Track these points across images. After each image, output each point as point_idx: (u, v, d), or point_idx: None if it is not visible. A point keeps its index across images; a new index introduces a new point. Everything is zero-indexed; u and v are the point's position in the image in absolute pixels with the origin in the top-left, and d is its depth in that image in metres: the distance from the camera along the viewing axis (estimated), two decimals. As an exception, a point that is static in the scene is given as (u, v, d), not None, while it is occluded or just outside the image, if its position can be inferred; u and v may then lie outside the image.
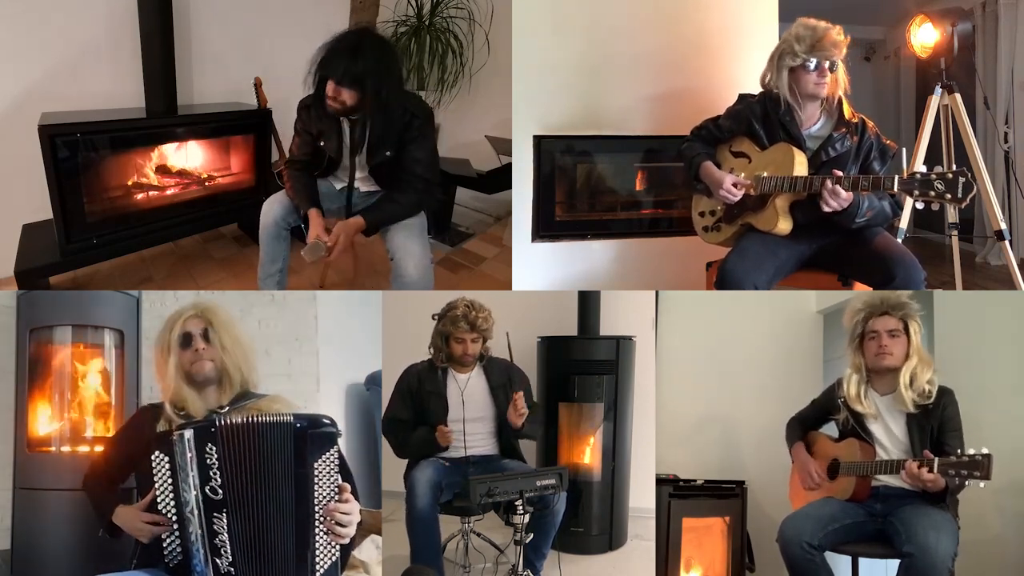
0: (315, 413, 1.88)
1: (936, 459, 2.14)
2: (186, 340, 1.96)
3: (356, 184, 3.00)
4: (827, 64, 2.54)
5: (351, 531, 1.86)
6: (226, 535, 1.77)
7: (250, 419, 1.83)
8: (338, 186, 3.03)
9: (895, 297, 2.37)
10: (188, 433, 1.78)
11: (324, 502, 1.82)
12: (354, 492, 1.88)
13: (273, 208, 2.98)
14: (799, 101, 2.60)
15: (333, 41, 2.75)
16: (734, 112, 2.77)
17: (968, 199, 2.33)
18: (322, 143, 2.92)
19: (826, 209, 2.49)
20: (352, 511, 1.85)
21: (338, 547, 1.85)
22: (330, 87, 2.73)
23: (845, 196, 2.47)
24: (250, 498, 1.79)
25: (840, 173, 2.48)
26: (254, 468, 1.79)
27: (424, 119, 2.90)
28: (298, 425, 1.82)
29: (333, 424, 1.87)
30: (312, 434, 1.82)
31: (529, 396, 2.87)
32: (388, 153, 2.88)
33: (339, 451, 1.85)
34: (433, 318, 2.78)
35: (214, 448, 1.79)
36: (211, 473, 1.78)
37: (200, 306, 2.02)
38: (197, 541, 1.77)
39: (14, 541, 2.63)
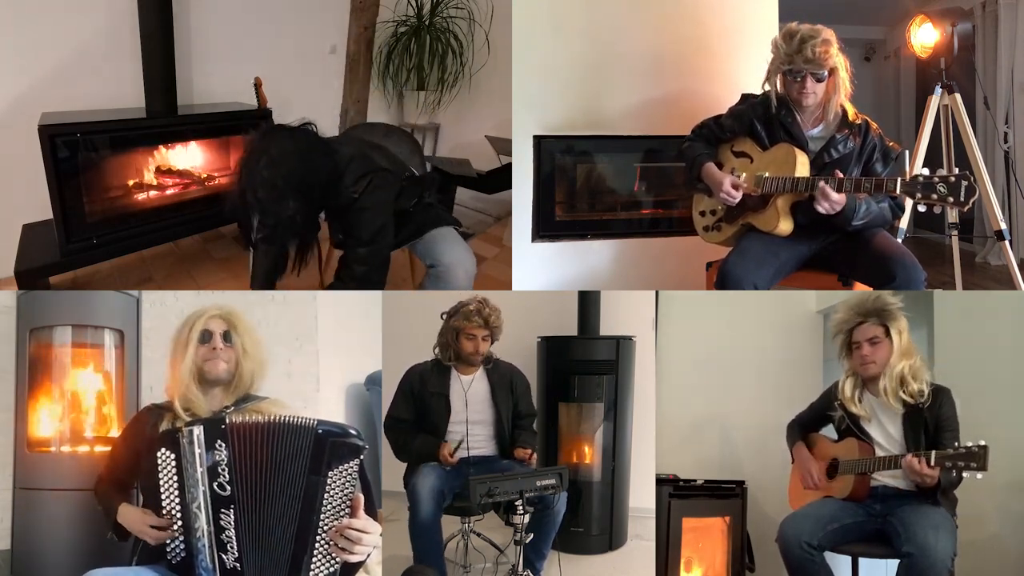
0: (343, 423, 1.85)
1: (933, 451, 2.14)
2: (205, 337, 1.98)
3: None
4: (811, 74, 2.50)
5: (365, 550, 1.78)
6: (233, 531, 1.77)
7: (271, 419, 1.83)
8: None
9: (871, 302, 2.34)
10: (198, 429, 1.79)
11: (333, 512, 1.79)
12: (371, 511, 1.81)
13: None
14: (794, 104, 2.60)
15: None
16: (736, 112, 2.76)
17: (970, 203, 2.32)
18: None
19: (819, 210, 2.47)
20: (364, 529, 1.77)
21: (338, 561, 1.79)
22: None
23: (837, 199, 2.44)
24: (259, 496, 1.78)
25: (841, 175, 2.47)
26: (267, 467, 1.79)
27: (368, 191, 2.55)
28: (320, 431, 1.80)
29: (359, 436, 1.81)
30: (333, 442, 1.79)
31: (529, 400, 2.88)
32: (340, 236, 2.71)
33: (360, 465, 1.80)
34: (442, 316, 2.78)
35: (224, 445, 1.79)
36: (220, 469, 1.78)
37: (224, 308, 2.03)
38: (203, 536, 1.77)
39: (14, 541, 2.63)
